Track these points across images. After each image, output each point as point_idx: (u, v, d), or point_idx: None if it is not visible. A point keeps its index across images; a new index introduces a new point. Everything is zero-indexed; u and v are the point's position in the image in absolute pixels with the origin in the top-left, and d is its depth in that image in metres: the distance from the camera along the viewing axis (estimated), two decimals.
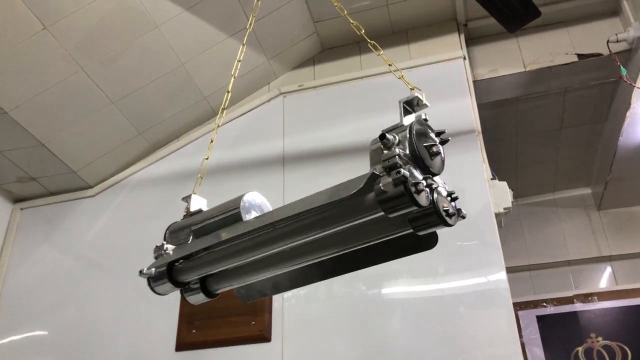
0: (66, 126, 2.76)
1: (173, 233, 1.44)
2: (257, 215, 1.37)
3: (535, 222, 4.18)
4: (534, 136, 3.78)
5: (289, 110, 3.01)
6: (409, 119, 1.18)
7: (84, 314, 2.75)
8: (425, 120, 1.18)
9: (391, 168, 1.04)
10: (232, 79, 1.73)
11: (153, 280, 1.38)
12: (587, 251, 3.93)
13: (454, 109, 2.71)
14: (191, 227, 1.41)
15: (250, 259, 1.31)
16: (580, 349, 3.42)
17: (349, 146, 2.76)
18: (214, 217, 1.39)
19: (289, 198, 2.67)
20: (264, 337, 2.39)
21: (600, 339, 3.41)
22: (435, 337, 2.22)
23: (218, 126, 1.70)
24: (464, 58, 2.91)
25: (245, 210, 1.35)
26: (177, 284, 1.38)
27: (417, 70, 2.90)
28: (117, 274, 2.78)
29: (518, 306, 3.52)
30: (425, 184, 1.05)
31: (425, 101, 1.22)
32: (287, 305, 2.46)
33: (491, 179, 2.53)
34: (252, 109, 3.08)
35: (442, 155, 1.16)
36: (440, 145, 1.16)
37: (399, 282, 2.38)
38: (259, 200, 1.42)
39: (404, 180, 1.01)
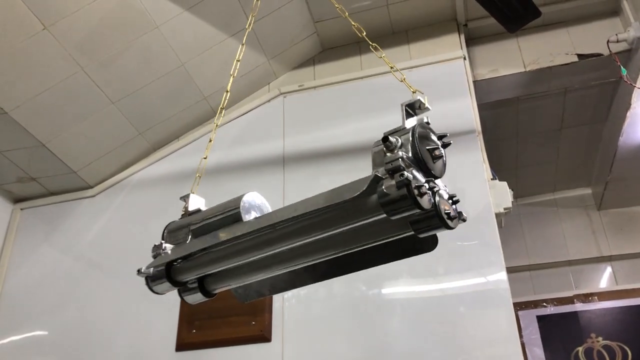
0: (66, 126, 2.76)
1: (171, 232, 1.43)
2: (256, 215, 1.37)
3: (535, 222, 4.17)
4: (534, 136, 3.78)
5: (289, 110, 3.01)
6: (410, 122, 1.19)
7: (84, 314, 2.75)
8: (428, 123, 1.19)
9: (394, 171, 1.04)
10: (231, 79, 1.73)
11: (151, 280, 1.37)
12: (587, 251, 3.93)
13: (454, 109, 2.71)
14: (190, 226, 1.40)
15: (250, 259, 1.30)
16: (580, 349, 3.42)
17: (349, 146, 2.76)
18: (213, 216, 1.38)
19: (289, 198, 2.67)
20: (264, 337, 2.39)
21: (600, 339, 3.41)
22: (435, 337, 2.22)
23: (217, 126, 1.70)
24: (464, 58, 2.91)
25: (245, 211, 1.35)
26: (175, 283, 1.37)
27: (417, 70, 2.90)
28: (117, 274, 2.78)
29: (518, 306, 3.52)
30: (427, 187, 1.06)
31: (427, 104, 1.23)
32: (287, 305, 2.46)
33: (491, 179, 2.53)
34: (252, 109, 3.08)
35: (444, 159, 1.17)
36: (442, 149, 1.16)
37: (399, 282, 2.38)
38: (259, 201, 1.42)
39: (407, 183, 1.02)
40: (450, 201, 1.13)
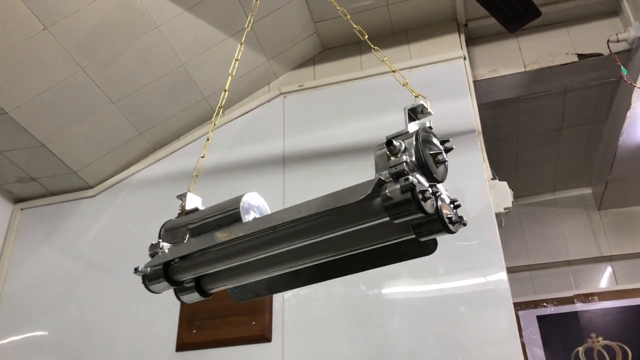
0: (66, 126, 2.76)
1: (169, 231, 1.43)
2: (255, 216, 1.37)
3: (535, 222, 4.17)
4: (534, 136, 3.78)
5: (289, 110, 3.01)
6: (413, 126, 1.20)
7: (84, 314, 2.75)
8: (430, 128, 1.20)
9: (398, 175, 1.05)
10: (230, 78, 1.73)
11: (148, 279, 1.37)
12: (587, 251, 3.93)
13: (454, 109, 2.71)
14: (188, 225, 1.40)
15: (249, 260, 1.30)
16: (580, 349, 3.42)
17: (350, 146, 2.76)
18: (212, 216, 1.38)
19: (289, 198, 2.68)
20: (265, 337, 2.39)
21: (600, 339, 3.41)
22: (435, 337, 2.22)
23: (214, 125, 1.70)
24: (464, 58, 2.91)
25: (244, 211, 1.35)
26: (172, 282, 1.37)
27: (417, 70, 2.90)
28: (117, 274, 2.78)
29: (518, 306, 3.52)
30: (431, 191, 1.07)
31: (429, 109, 1.24)
32: (287, 305, 2.46)
33: (491, 179, 2.53)
34: (252, 109, 3.08)
35: (446, 164, 1.18)
36: (445, 154, 1.17)
37: (399, 282, 2.38)
38: (258, 201, 1.42)
39: (411, 188, 1.03)
40: (452, 205, 1.14)
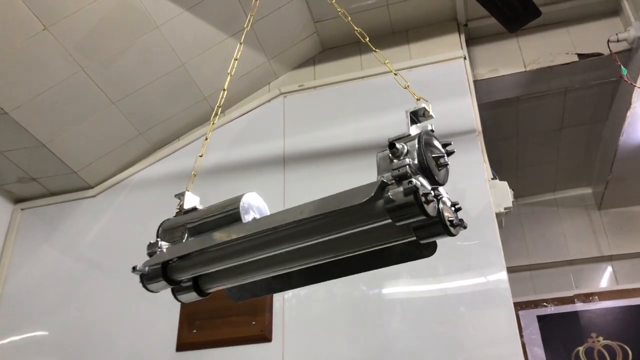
0: (67, 126, 2.76)
1: (167, 230, 1.42)
2: (255, 216, 1.36)
3: (535, 221, 4.17)
4: (535, 136, 3.78)
5: (289, 110, 3.02)
6: (414, 129, 1.21)
7: (84, 314, 2.75)
8: (432, 131, 1.21)
9: (401, 177, 1.06)
10: (229, 77, 1.72)
11: (146, 278, 1.37)
12: (587, 251, 3.93)
13: (454, 108, 2.71)
14: (186, 225, 1.40)
15: (249, 260, 1.30)
16: (581, 348, 3.42)
17: (350, 146, 2.76)
18: (211, 216, 1.37)
19: (289, 198, 2.68)
20: (265, 337, 2.39)
21: (601, 338, 3.41)
22: (435, 337, 2.22)
23: (213, 124, 1.70)
24: (464, 58, 2.91)
25: (244, 211, 1.34)
26: (170, 282, 1.36)
27: (418, 70, 2.89)
28: (117, 274, 2.78)
29: (519, 306, 3.52)
30: (434, 194, 1.07)
31: (431, 112, 1.25)
32: (287, 305, 2.46)
33: (492, 179, 2.53)
34: (252, 109, 3.09)
35: (448, 167, 1.19)
36: (446, 157, 1.18)
37: (399, 282, 2.38)
38: (258, 201, 1.41)
39: (414, 190, 1.03)
40: (453, 208, 1.15)
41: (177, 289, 1.40)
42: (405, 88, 1.50)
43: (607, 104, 3.43)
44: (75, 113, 2.73)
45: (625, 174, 3.61)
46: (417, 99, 1.33)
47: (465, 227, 1.16)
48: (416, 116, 1.25)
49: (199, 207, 1.46)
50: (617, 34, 2.83)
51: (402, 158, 1.10)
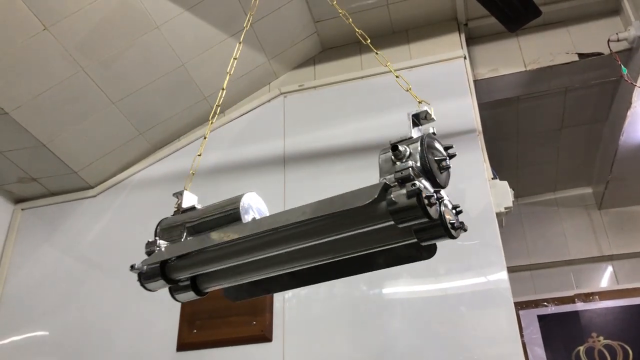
0: (67, 126, 2.76)
1: (165, 229, 1.42)
2: (254, 216, 1.36)
3: (536, 221, 4.17)
4: (535, 136, 3.78)
5: (289, 110, 3.02)
6: (416, 132, 1.22)
7: (85, 314, 2.75)
8: (434, 134, 1.22)
9: (404, 180, 1.07)
10: (227, 76, 1.73)
11: (144, 277, 1.36)
12: (588, 251, 3.93)
13: (454, 108, 2.71)
14: (185, 224, 1.39)
15: (249, 260, 1.30)
16: (581, 348, 3.41)
17: (350, 146, 2.76)
18: (210, 215, 1.37)
19: (289, 198, 2.68)
20: (265, 337, 2.39)
21: (601, 338, 3.41)
22: (436, 337, 2.22)
23: (212, 123, 1.70)
24: (465, 57, 2.90)
25: (244, 211, 1.34)
26: (168, 281, 1.36)
27: (418, 69, 2.89)
28: (118, 274, 2.78)
29: (519, 306, 3.52)
30: (436, 197, 1.08)
31: (433, 115, 1.26)
32: (288, 305, 2.46)
33: (492, 179, 2.53)
34: (252, 109, 3.09)
35: (449, 170, 1.20)
36: (448, 160, 1.19)
37: (399, 282, 2.38)
38: (257, 201, 1.41)
39: (418, 193, 1.04)
40: (454, 211, 1.16)
41: (175, 288, 1.40)
42: (407, 91, 1.50)
43: (608, 103, 3.43)
44: (75, 113, 2.73)
45: (625, 174, 3.61)
46: (419, 102, 1.34)
47: (465, 230, 1.16)
48: (418, 119, 1.26)
49: (198, 206, 1.46)
50: (617, 34, 2.83)
51: (404, 160, 1.11)
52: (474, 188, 2.46)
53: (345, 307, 2.40)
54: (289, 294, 2.48)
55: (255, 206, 1.39)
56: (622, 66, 2.78)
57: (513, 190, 2.52)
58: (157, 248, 1.36)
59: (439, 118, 1.30)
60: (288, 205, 2.62)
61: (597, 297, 3.54)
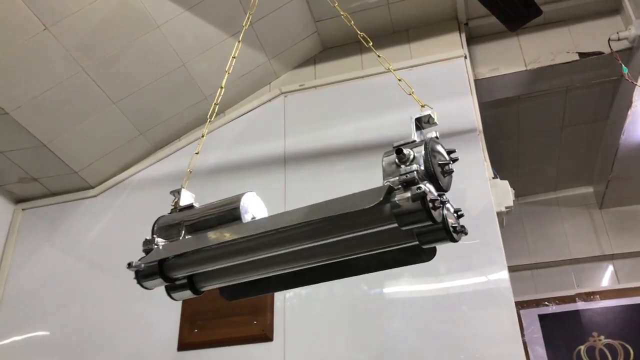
0: (67, 126, 2.77)
1: (163, 227, 1.41)
2: (254, 215, 1.36)
3: (537, 221, 4.17)
4: (536, 135, 3.78)
5: (290, 109, 3.01)
6: (419, 135, 1.23)
7: (85, 314, 2.75)
8: (437, 138, 1.22)
9: (409, 183, 1.08)
10: (226, 75, 1.73)
11: (142, 275, 1.35)
12: (589, 250, 3.93)
13: (455, 108, 2.70)
14: (183, 222, 1.38)
15: (249, 260, 1.29)
16: (582, 347, 3.41)
17: (350, 145, 2.76)
18: (210, 214, 1.37)
19: (290, 197, 2.68)
20: (266, 336, 2.39)
21: (602, 337, 3.41)
22: (437, 337, 2.21)
23: (210, 121, 1.70)
24: (465, 57, 2.90)
25: (244, 210, 1.34)
26: (166, 279, 1.35)
27: (418, 69, 2.89)
28: (118, 274, 2.77)
29: (520, 305, 3.52)
30: (440, 200, 1.09)
31: (436, 119, 1.27)
32: (289, 305, 2.46)
33: (493, 178, 2.53)
34: (253, 109, 3.09)
35: (452, 174, 1.21)
36: (451, 165, 1.20)
37: (400, 281, 2.38)
38: (256, 201, 1.41)
39: (423, 196, 1.05)
40: (456, 215, 1.17)
41: (171, 287, 1.39)
42: (410, 94, 1.50)
43: (608, 102, 3.43)
44: (76, 113, 2.73)
45: (626, 173, 3.61)
46: (422, 106, 1.35)
47: (466, 234, 1.17)
48: (420, 122, 1.27)
49: (196, 204, 1.46)
50: (617, 33, 2.83)
51: (408, 164, 1.12)
52: (475, 187, 2.46)
53: (346, 306, 2.39)
54: (289, 293, 2.48)
55: (255, 206, 1.39)
56: (623, 65, 2.78)
57: (514, 189, 2.52)
58: (155, 246, 1.36)
59: (440, 117, 1.31)
60: (289, 205, 2.63)
61: (598, 296, 3.54)
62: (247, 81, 3.08)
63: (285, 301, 2.47)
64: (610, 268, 3.89)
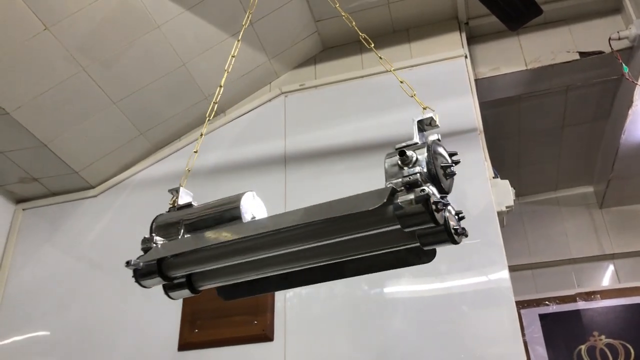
0: (68, 126, 2.77)
1: (161, 225, 1.40)
2: (254, 215, 1.36)
3: (537, 220, 4.17)
4: (536, 134, 3.78)
5: (290, 109, 3.01)
6: (421, 137, 1.24)
7: (86, 314, 2.75)
8: (439, 140, 1.23)
9: (412, 185, 1.08)
10: (225, 74, 1.73)
11: (140, 273, 1.34)
12: (589, 249, 3.93)
13: (455, 107, 2.70)
14: (182, 221, 1.38)
15: (249, 259, 1.29)
16: (583, 347, 3.41)
17: (351, 145, 2.76)
18: (209, 213, 1.36)
19: (290, 197, 2.67)
20: (267, 336, 2.39)
21: (603, 337, 3.41)
22: (437, 336, 2.21)
23: (208, 119, 1.70)
24: (466, 56, 2.90)
25: (244, 210, 1.34)
26: (164, 278, 1.35)
27: (419, 69, 2.89)
28: (119, 274, 2.76)
29: (520, 305, 3.51)
30: (443, 203, 1.10)
31: (438, 122, 1.28)
32: (289, 305, 2.46)
33: (493, 178, 2.53)
34: (253, 109, 3.08)
35: (454, 177, 1.21)
36: (454, 167, 1.20)
37: (401, 281, 2.37)
38: (256, 201, 1.41)
39: (427, 198, 1.05)
40: (457, 217, 1.18)
41: (169, 286, 1.39)
42: (412, 97, 1.50)
43: (609, 102, 3.43)
44: (76, 113, 2.73)
45: (627, 172, 3.60)
46: (424, 108, 1.35)
47: (466, 236, 1.18)
48: (422, 125, 1.28)
49: (194, 203, 1.45)
50: (618, 32, 2.83)
51: (411, 166, 1.12)
52: (475, 187, 2.46)
53: (347, 306, 2.39)
54: (290, 293, 2.48)
55: (255, 206, 1.39)
56: (623, 65, 2.77)
57: (514, 189, 2.52)
58: (154, 245, 1.35)
59: (440, 117, 1.31)
60: (289, 205, 2.63)
61: (598, 296, 3.54)
62: (248, 81, 3.08)
63: (286, 301, 2.47)
64: (611, 268, 3.89)
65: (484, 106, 2.97)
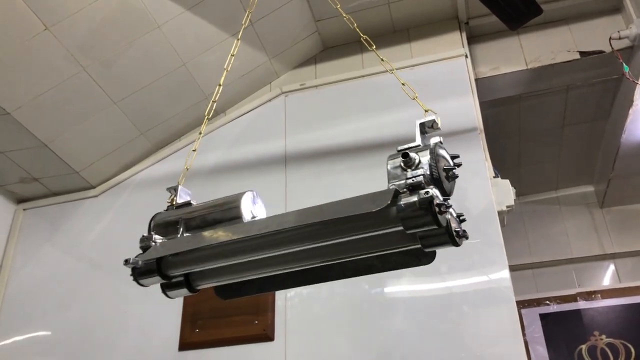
0: (68, 126, 2.77)
1: (160, 224, 1.40)
2: (254, 215, 1.36)
3: (538, 220, 4.17)
4: (537, 134, 3.78)
5: (290, 109, 3.01)
6: (423, 139, 1.24)
7: (87, 314, 2.75)
8: (441, 142, 1.23)
9: (415, 187, 1.09)
10: (225, 73, 1.73)
11: (138, 272, 1.34)
12: (590, 249, 3.93)
13: (455, 107, 2.70)
14: (182, 220, 1.38)
15: (249, 259, 1.29)
16: (583, 347, 3.41)
17: (351, 145, 2.76)
18: (209, 212, 1.36)
19: (291, 197, 2.68)
20: (267, 336, 2.39)
21: (603, 337, 3.41)
22: (438, 336, 2.21)
23: (207, 118, 1.70)
24: (466, 56, 2.90)
25: (244, 209, 1.34)
26: (163, 277, 1.34)
27: (419, 68, 2.89)
28: (119, 274, 2.75)
29: (521, 304, 3.51)
30: (446, 205, 1.10)
31: (440, 125, 1.28)
32: (290, 305, 2.46)
33: (494, 177, 2.53)
34: (253, 109, 3.09)
35: (456, 179, 1.22)
36: (456, 170, 1.21)
37: (401, 281, 2.37)
38: (257, 201, 1.41)
39: (430, 200, 1.06)
40: (458, 219, 1.18)
41: (167, 285, 1.38)
42: (414, 99, 1.50)
43: (609, 101, 3.42)
44: (76, 113, 2.74)
45: (627, 172, 3.60)
46: (426, 111, 1.36)
47: (467, 238, 1.18)
48: (424, 127, 1.28)
49: (193, 202, 1.45)
50: (618, 32, 2.82)
51: (414, 168, 1.13)
52: (476, 187, 2.45)
53: (348, 306, 2.39)
54: (291, 292, 2.48)
55: (255, 205, 1.39)
56: (624, 64, 2.77)
57: (515, 188, 2.52)
58: (153, 243, 1.34)
59: (441, 117, 1.31)
60: (289, 205, 2.63)
61: (599, 295, 3.53)
62: (248, 81, 3.08)
63: (287, 301, 2.47)
64: (612, 267, 3.89)
65: (484, 106, 2.97)
